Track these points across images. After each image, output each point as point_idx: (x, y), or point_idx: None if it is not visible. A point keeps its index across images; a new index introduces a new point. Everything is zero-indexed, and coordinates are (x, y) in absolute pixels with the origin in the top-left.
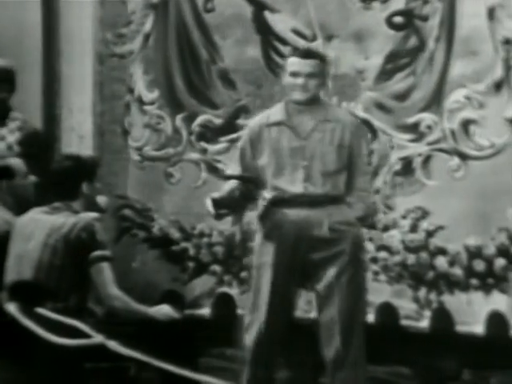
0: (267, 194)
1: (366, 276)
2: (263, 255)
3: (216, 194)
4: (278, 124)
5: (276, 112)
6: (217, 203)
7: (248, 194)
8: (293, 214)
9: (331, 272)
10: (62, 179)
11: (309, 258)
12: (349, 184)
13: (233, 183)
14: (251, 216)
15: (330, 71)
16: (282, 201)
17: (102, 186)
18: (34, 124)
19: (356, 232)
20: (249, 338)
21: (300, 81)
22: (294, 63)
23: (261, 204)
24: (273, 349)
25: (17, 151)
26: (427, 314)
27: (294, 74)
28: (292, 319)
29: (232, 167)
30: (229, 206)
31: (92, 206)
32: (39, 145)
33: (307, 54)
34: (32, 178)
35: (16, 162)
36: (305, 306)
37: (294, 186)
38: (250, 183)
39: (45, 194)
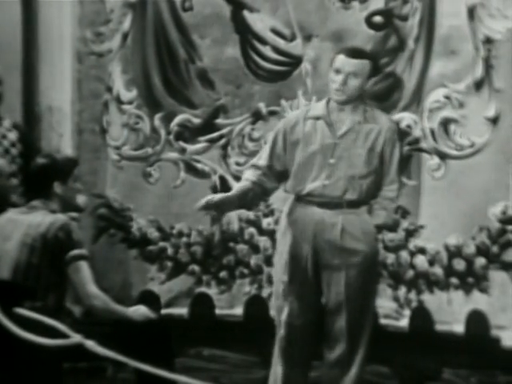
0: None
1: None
2: (280, 246)
3: (218, 196)
4: (316, 118)
5: (317, 106)
6: (217, 205)
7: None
8: (309, 212)
9: (341, 280)
10: (35, 178)
11: (320, 261)
12: (375, 190)
13: (246, 183)
14: (230, 216)
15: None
16: (302, 197)
17: (80, 185)
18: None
19: (371, 240)
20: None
21: (339, 78)
22: (338, 60)
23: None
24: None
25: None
26: (407, 313)
27: (337, 71)
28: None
29: (261, 156)
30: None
31: (69, 205)
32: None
33: (354, 54)
34: (15, 180)
35: (0, 163)
36: None
37: (314, 183)
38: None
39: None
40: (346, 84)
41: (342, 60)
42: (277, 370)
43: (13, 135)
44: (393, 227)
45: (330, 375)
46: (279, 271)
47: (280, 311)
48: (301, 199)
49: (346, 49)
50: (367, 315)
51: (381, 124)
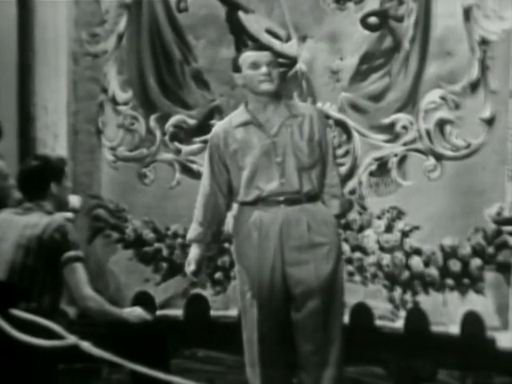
0: None
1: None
2: (244, 255)
3: (192, 267)
4: (244, 124)
5: (238, 114)
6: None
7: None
8: (271, 212)
9: (311, 274)
10: (29, 179)
11: (288, 259)
12: (320, 179)
13: (196, 250)
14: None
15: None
16: (260, 200)
17: (76, 186)
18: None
19: (334, 231)
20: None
21: (263, 70)
22: (249, 56)
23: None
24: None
25: None
26: (402, 314)
27: (254, 65)
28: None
29: (202, 182)
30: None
31: (63, 206)
32: None
33: (259, 47)
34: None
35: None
36: None
37: (271, 183)
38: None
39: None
40: (271, 74)
41: (254, 55)
42: (255, 373)
43: None
44: (350, 209)
45: (310, 376)
46: (244, 274)
47: (247, 314)
48: (258, 202)
49: (250, 47)
50: (338, 310)
51: (308, 113)
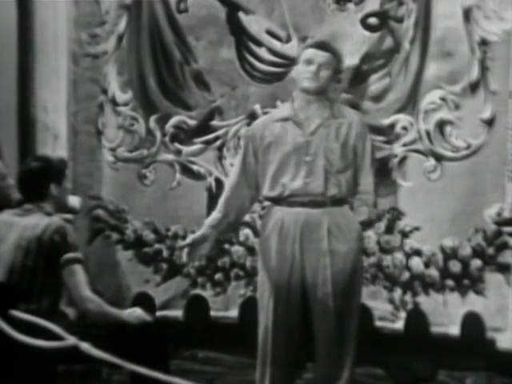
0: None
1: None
2: (265, 254)
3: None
4: (283, 120)
5: (281, 109)
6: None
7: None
8: (293, 213)
9: (328, 279)
10: (29, 180)
11: (306, 261)
12: (353, 185)
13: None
14: None
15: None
16: (283, 199)
17: (76, 187)
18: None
19: (356, 238)
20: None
21: (312, 68)
22: (308, 52)
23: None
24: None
25: None
26: (402, 315)
27: (308, 62)
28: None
29: (232, 171)
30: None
31: (63, 207)
32: None
33: (322, 46)
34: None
35: None
36: None
37: (295, 181)
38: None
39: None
40: (318, 74)
41: (312, 52)
42: (265, 372)
43: None
44: (375, 221)
45: (322, 380)
46: (264, 274)
47: (264, 312)
48: (282, 202)
49: (315, 42)
50: (354, 315)
51: (349, 118)
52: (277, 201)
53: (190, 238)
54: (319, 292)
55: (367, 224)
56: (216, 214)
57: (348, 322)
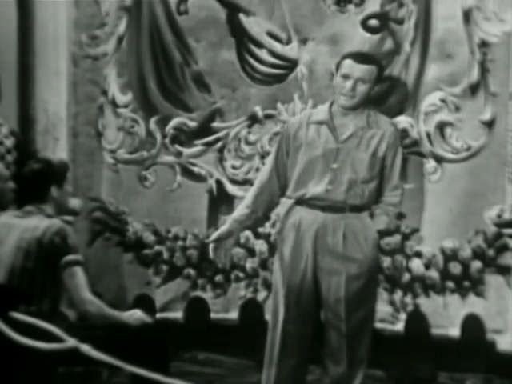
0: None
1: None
2: (281, 253)
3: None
4: (319, 123)
5: (320, 111)
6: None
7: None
8: (311, 215)
9: (341, 285)
10: (30, 182)
11: (320, 264)
12: (377, 195)
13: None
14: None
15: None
16: (304, 200)
17: (76, 189)
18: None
19: (372, 246)
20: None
21: (349, 84)
22: (346, 66)
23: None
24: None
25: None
26: (403, 316)
27: (344, 77)
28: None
29: (264, 168)
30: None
31: (64, 209)
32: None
33: (363, 59)
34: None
35: None
36: None
37: (317, 186)
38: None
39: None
40: (354, 90)
41: (350, 65)
42: (270, 373)
43: (9, 142)
44: (393, 232)
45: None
46: (278, 274)
47: (276, 314)
48: (303, 203)
49: (353, 54)
50: (367, 324)
51: (383, 129)
52: (298, 201)
53: (215, 234)
54: (331, 296)
55: (385, 233)
56: (243, 210)
57: (362, 323)
